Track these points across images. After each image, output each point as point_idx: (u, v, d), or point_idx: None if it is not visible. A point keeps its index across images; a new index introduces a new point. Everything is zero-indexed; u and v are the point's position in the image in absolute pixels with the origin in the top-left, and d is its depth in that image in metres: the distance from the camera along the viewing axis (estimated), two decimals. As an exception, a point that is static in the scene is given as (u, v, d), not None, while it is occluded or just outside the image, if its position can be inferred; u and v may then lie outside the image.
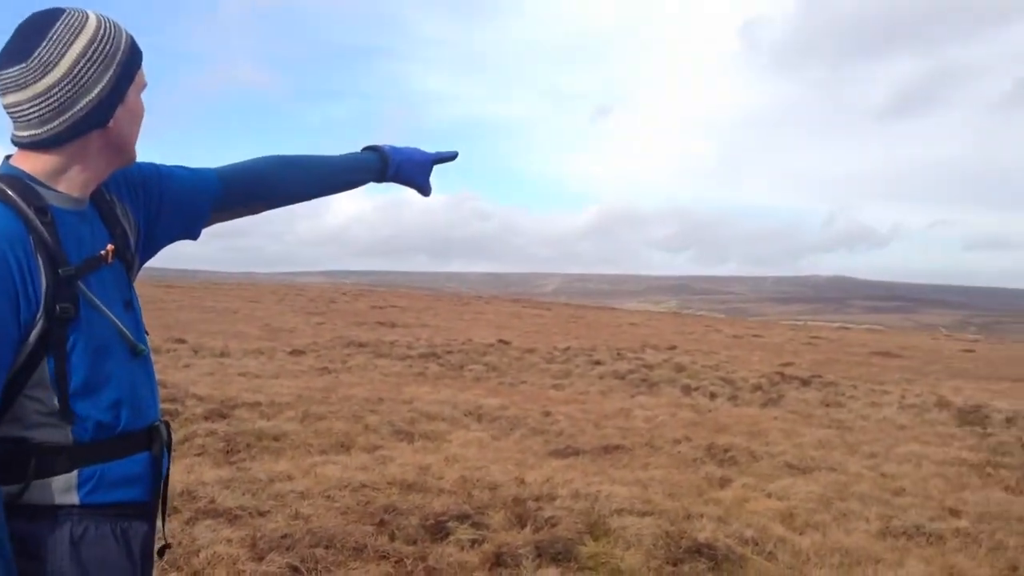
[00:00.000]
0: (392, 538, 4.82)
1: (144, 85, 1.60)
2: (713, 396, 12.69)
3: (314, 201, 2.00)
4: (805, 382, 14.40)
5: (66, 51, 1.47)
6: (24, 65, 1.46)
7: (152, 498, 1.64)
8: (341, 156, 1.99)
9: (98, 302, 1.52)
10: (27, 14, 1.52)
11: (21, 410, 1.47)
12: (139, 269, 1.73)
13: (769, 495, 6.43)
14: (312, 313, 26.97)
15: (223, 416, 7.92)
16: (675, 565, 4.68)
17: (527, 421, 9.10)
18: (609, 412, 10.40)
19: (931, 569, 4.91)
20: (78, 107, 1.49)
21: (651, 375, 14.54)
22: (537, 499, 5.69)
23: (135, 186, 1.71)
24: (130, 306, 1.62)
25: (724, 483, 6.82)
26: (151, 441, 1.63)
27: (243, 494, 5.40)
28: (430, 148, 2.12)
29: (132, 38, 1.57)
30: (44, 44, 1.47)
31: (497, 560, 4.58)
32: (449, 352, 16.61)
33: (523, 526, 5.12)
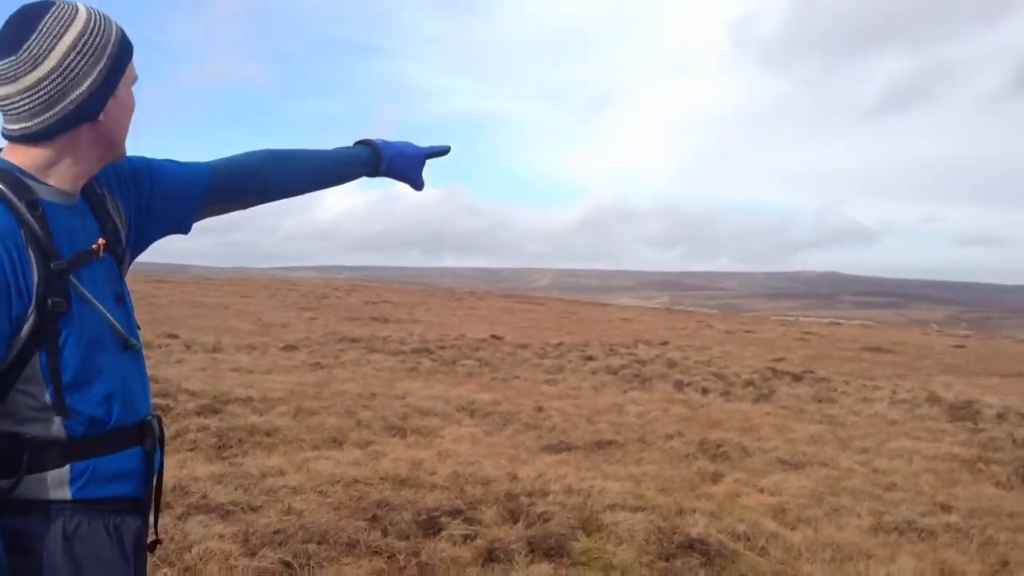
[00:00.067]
0: (385, 533, 4.82)
1: (135, 78, 1.60)
2: (705, 392, 12.70)
3: (306, 196, 1.99)
4: (797, 378, 14.43)
5: (56, 44, 1.46)
6: (14, 58, 1.45)
7: (144, 493, 1.64)
8: (333, 150, 1.98)
9: (90, 296, 1.51)
10: (17, 6, 1.51)
11: (13, 405, 1.46)
12: (130, 263, 1.73)
13: (761, 490, 6.45)
14: (304, 308, 26.92)
15: (215, 411, 7.90)
16: (667, 560, 4.69)
17: (520, 416, 9.10)
18: (602, 407, 10.41)
19: (922, 564, 4.92)
20: (68, 100, 1.48)
21: (643, 370, 14.55)
22: (530, 494, 5.69)
23: (126, 180, 1.70)
24: (121, 300, 1.62)
25: (716, 478, 6.84)
26: (143, 436, 1.62)
27: (235, 489, 5.39)
28: (423, 143, 2.12)
29: (123, 31, 1.56)
30: (34, 37, 1.46)
31: (490, 555, 4.58)
32: (442, 347, 16.60)
33: (516, 521, 5.13)
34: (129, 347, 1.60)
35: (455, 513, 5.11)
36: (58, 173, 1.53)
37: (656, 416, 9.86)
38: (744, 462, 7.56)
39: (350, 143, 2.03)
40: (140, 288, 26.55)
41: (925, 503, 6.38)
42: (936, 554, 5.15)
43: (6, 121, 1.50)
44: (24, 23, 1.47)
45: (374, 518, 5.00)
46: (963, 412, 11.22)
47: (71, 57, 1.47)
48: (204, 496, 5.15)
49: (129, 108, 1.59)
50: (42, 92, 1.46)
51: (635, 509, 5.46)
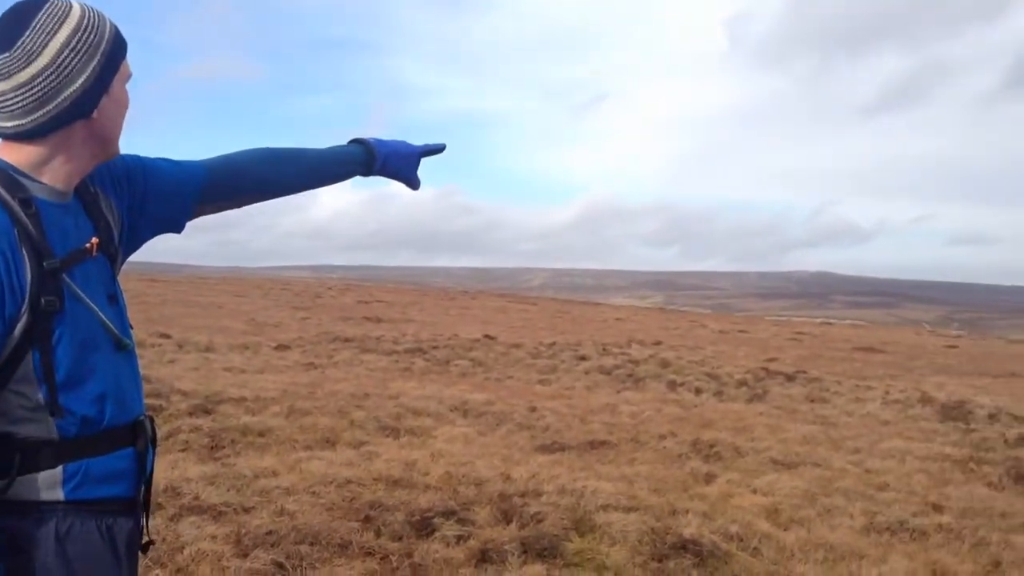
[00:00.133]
0: (378, 534, 4.81)
1: (129, 76, 1.59)
2: (698, 392, 12.72)
3: (300, 195, 1.98)
4: (790, 378, 14.46)
5: (50, 40, 1.45)
6: (7, 55, 1.44)
7: (137, 494, 1.63)
8: (327, 149, 1.97)
9: (83, 295, 1.51)
10: (10, 3, 1.50)
11: (6, 405, 1.45)
12: (123, 262, 1.72)
13: (754, 491, 6.46)
14: (298, 308, 26.89)
15: (208, 411, 7.87)
16: (660, 561, 4.69)
17: (513, 416, 9.10)
18: (595, 407, 10.42)
19: (914, 565, 4.93)
20: (62, 97, 1.47)
21: (637, 370, 14.56)
22: (523, 495, 5.69)
23: (119, 179, 1.69)
24: (114, 300, 1.61)
25: (709, 479, 6.84)
26: (136, 436, 1.61)
27: (228, 490, 5.37)
28: (418, 141, 2.11)
29: (116, 28, 1.55)
30: (28, 33, 1.45)
31: (483, 556, 4.57)
32: (435, 347, 16.59)
33: (509, 522, 5.12)
34: (122, 347, 1.59)
35: (448, 514, 5.10)
36: (51, 171, 1.53)
37: (649, 416, 9.87)
38: (737, 462, 7.57)
39: (345, 141, 2.03)
40: (133, 287, 26.48)
41: (917, 503, 6.40)
42: (928, 554, 5.16)
43: None
44: (18, 20, 1.46)
45: (367, 519, 4.99)
46: (955, 412, 11.25)
47: (65, 54, 1.46)
48: (196, 497, 5.14)
49: (123, 106, 1.59)
50: (36, 89, 1.45)
51: (628, 510, 5.45)
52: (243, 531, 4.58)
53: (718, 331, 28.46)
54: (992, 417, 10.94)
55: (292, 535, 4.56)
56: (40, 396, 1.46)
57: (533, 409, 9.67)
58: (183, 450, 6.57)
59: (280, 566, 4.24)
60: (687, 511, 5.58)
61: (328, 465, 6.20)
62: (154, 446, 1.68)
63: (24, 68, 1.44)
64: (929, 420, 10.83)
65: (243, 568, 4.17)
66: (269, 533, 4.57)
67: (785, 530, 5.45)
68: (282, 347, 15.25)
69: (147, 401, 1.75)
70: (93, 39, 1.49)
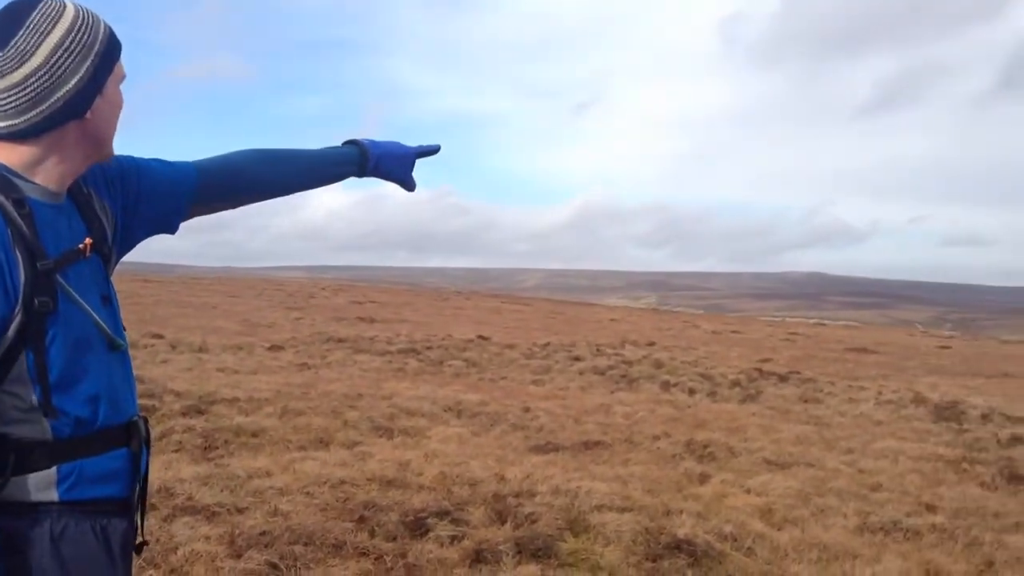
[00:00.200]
0: (372, 535, 4.81)
1: (123, 77, 1.59)
2: (692, 392, 12.73)
3: (294, 195, 1.98)
4: (783, 378, 14.49)
5: (43, 40, 1.45)
6: (1, 54, 1.44)
7: (131, 494, 1.63)
8: (321, 150, 1.98)
9: (76, 296, 1.50)
10: (4, 3, 1.50)
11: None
12: (116, 263, 1.71)
13: (748, 491, 6.47)
14: (291, 308, 26.84)
15: (201, 412, 7.86)
16: (654, 561, 4.69)
17: (507, 417, 9.10)
18: (589, 408, 10.42)
19: (908, 564, 4.95)
20: (55, 97, 1.47)
21: (631, 371, 14.57)
22: (517, 495, 5.69)
23: (112, 179, 1.69)
24: (108, 301, 1.61)
25: (703, 479, 6.85)
26: (130, 437, 1.61)
27: (221, 491, 5.36)
28: (412, 142, 2.11)
29: (110, 29, 1.55)
30: (21, 33, 1.44)
31: (477, 557, 4.57)
32: (429, 348, 16.58)
33: (503, 522, 5.12)
34: (115, 347, 1.59)
35: (442, 514, 5.10)
36: (44, 172, 1.52)
37: (643, 417, 9.88)
38: (731, 463, 7.58)
39: (338, 142, 2.03)
40: (126, 287, 26.43)
41: (910, 503, 6.42)
42: (921, 554, 5.17)
43: None
44: (11, 19, 1.46)
45: (361, 519, 4.98)
46: (948, 413, 11.29)
47: (58, 54, 1.46)
48: (190, 497, 5.13)
49: (117, 106, 1.58)
50: (29, 89, 1.45)
51: (622, 510, 5.46)
52: (237, 532, 4.57)
53: (711, 332, 28.49)
54: (985, 417, 10.98)
55: (286, 535, 4.56)
56: (34, 397, 1.45)
57: (527, 409, 9.68)
58: (176, 451, 6.56)
59: (274, 567, 4.24)
60: (681, 511, 5.59)
61: (322, 465, 6.19)
62: (148, 447, 1.68)
63: (18, 68, 1.44)
64: (922, 420, 10.85)
65: (237, 569, 4.17)
66: (263, 534, 4.57)
67: (779, 530, 5.46)
68: (275, 347, 15.22)
69: (140, 402, 1.75)
70: (87, 39, 1.49)
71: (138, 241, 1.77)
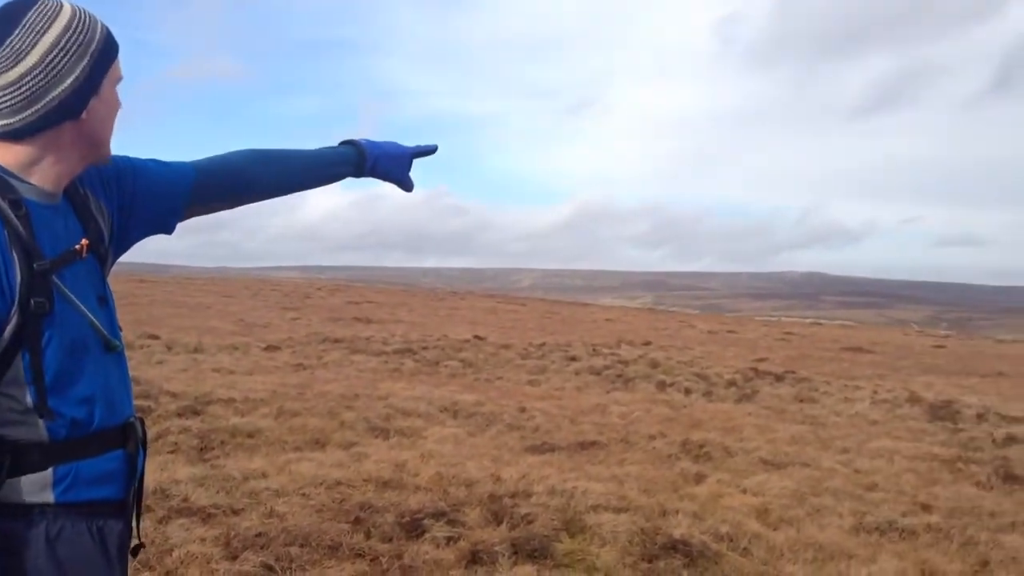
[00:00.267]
0: (368, 536, 4.80)
1: (119, 78, 1.58)
2: (688, 392, 12.74)
3: (290, 196, 1.98)
4: (779, 378, 14.50)
5: (39, 39, 1.45)
6: (-4, 53, 1.44)
7: (127, 496, 1.62)
8: (318, 150, 1.97)
9: (72, 297, 1.50)
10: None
11: (-5, 408, 1.44)
12: (113, 264, 1.71)
13: (743, 491, 6.47)
14: (287, 308, 26.81)
15: (197, 413, 7.84)
16: (650, 561, 4.70)
17: (503, 417, 9.09)
18: (585, 408, 10.42)
19: (903, 564, 4.95)
20: (50, 97, 1.47)
21: (626, 371, 14.57)
22: (513, 496, 5.69)
23: (108, 180, 1.68)
24: (104, 302, 1.61)
25: (699, 479, 6.85)
26: (126, 438, 1.61)
27: (217, 492, 5.35)
28: (408, 142, 2.10)
29: (108, 30, 1.55)
30: (17, 32, 1.44)
31: (473, 557, 4.57)
32: (425, 348, 16.57)
33: (499, 523, 5.12)
34: (111, 348, 1.58)
35: (438, 515, 5.10)
36: (41, 172, 1.52)
37: (639, 417, 9.88)
38: (726, 462, 7.59)
39: (334, 142, 2.02)
40: (121, 287, 26.39)
41: (906, 503, 6.43)
42: (917, 554, 5.18)
43: None
44: (7, 19, 1.45)
45: (357, 520, 4.98)
46: (943, 412, 11.30)
47: (54, 53, 1.46)
48: (185, 499, 5.12)
49: (113, 108, 1.58)
50: (23, 88, 1.45)
51: (618, 510, 5.46)
52: (232, 533, 4.56)
53: (707, 331, 28.51)
54: (980, 417, 11.00)
55: (282, 537, 4.55)
56: (29, 398, 1.45)
57: (523, 410, 9.67)
58: (172, 452, 6.55)
59: (270, 568, 4.23)
60: (677, 511, 5.59)
61: (318, 466, 6.18)
62: (144, 448, 1.68)
63: (12, 67, 1.44)
64: (917, 420, 10.87)
65: (232, 570, 4.16)
66: (259, 535, 4.56)
67: (775, 530, 5.47)
68: (271, 348, 15.20)
69: (136, 403, 1.75)
70: (83, 39, 1.49)
71: (135, 242, 1.77)
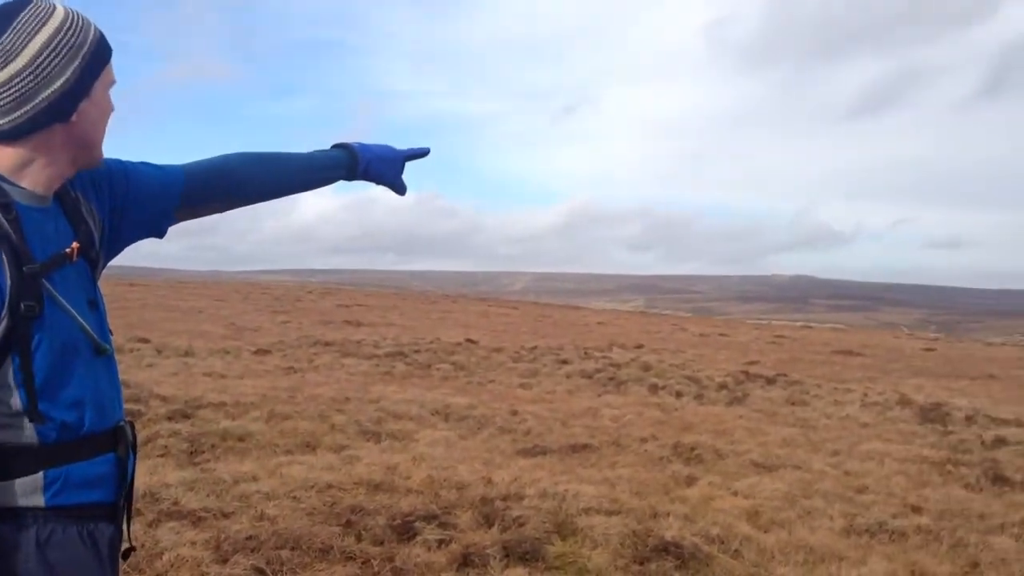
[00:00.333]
0: (359, 539, 4.80)
1: (112, 82, 1.58)
2: (679, 395, 12.75)
3: (281, 199, 1.97)
4: (770, 381, 14.53)
5: (29, 41, 1.45)
6: (-13, 54, 1.43)
7: (118, 499, 1.62)
8: (310, 153, 1.97)
9: (63, 300, 1.49)
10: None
11: (-15, 411, 1.44)
12: (103, 267, 1.71)
13: (735, 493, 6.48)
14: (278, 312, 26.74)
15: (187, 416, 7.83)
16: (642, 564, 4.70)
17: (494, 420, 9.09)
18: (576, 411, 10.42)
19: (894, 566, 4.97)
20: (40, 98, 1.46)
21: (618, 374, 14.58)
22: (505, 498, 5.69)
23: (100, 183, 1.68)
24: (94, 305, 1.60)
25: (690, 481, 6.86)
26: (116, 442, 1.60)
27: (207, 495, 5.34)
28: (399, 145, 2.10)
29: (101, 33, 1.54)
30: (8, 33, 1.44)
31: (464, 560, 4.57)
32: (416, 351, 16.55)
33: (490, 526, 5.12)
34: (101, 352, 1.58)
35: (430, 518, 5.09)
36: (31, 175, 1.52)
37: (630, 419, 9.89)
38: (718, 465, 7.60)
39: (326, 145, 2.02)
40: (112, 291, 26.28)
41: (896, 505, 6.45)
42: (907, 556, 5.20)
43: None
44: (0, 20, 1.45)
45: (348, 523, 4.97)
46: (933, 414, 11.35)
47: (44, 55, 1.45)
48: (175, 503, 5.10)
49: (105, 111, 1.58)
50: (13, 90, 1.44)
51: (610, 513, 5.47)
52: (223, 536, 4.55)
53: (699, 334, 28.56)
54: (969, 419, 11.05)
55: (272, 540, 4.54)
56: (19, 402, 1.44)
57: (515, 413, 9.67)
58: (162, 455, 6.53)
59: (260, 572, 4.22)
60: (668, 514, 5.60)
61: (309, 469, 6.17)
62: (135, 451, 1.67)
63: (2, 68, 1.44)
64: (907, 422, 10.91)
65: (223, 574, 4.15)
66: (249, 538, 4.55)
67: (766, 532, 5.48)
68: (262, 351, 15.16)
69: (126, 406, 1.74)
70: (75, 41, 1.48)
71: (126, 245, 1.77)
